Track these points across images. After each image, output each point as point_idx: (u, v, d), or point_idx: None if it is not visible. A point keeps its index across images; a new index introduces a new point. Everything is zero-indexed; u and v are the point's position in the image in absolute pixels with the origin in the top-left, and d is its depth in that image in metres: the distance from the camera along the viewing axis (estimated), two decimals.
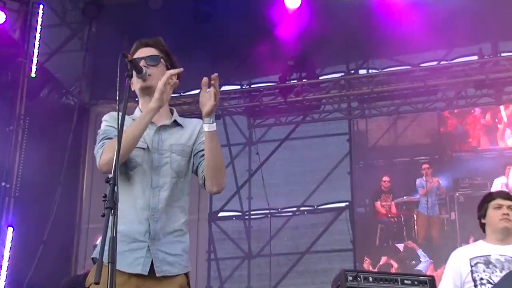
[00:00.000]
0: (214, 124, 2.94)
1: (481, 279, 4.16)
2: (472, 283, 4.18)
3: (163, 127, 3.07)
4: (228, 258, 10.72)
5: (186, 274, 2.98)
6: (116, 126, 2.78)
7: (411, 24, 8.85)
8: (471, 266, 4.21)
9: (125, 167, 2.94)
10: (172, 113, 3.15)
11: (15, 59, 8.80)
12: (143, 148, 2.99)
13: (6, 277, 7.93)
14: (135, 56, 3.05)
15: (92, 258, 3.01)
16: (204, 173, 2.99)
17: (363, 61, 10.70)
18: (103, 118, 3.12)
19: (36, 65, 9.08)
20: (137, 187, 2.95)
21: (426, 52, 10.11)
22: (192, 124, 3.14)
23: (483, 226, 4.39)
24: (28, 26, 9.15)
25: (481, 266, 4.20)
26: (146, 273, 2.85)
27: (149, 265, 2.86)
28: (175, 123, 3.10)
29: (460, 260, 4.30)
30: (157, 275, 2.86)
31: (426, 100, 10.01)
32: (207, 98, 2.91)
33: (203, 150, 3.01)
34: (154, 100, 2.92)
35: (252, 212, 10.88)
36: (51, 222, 8.79)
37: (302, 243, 10.39)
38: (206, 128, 2.94)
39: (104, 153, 2.90)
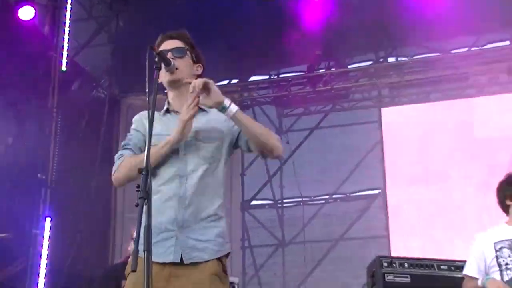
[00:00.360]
0: (230, 108, 2.94)
1: (507, 264, 4.14)
2: (497, 268, 4.16)
3: None
4: (262, 245, 10.78)
5: (221, 261, 2.97)
6: (141, 129, 3.07)
7: (440, 10, 8.75)
8: (496, 251, 4.19)
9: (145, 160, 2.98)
10: None
11: (45, 54, 8.92)
12: None
13: (46, 266, 8.10)
14: (160, 49, 3.09)
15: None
16: (253, 149, 3.05)
17: (392, 48, 10.60)
18: (133, 119, 3.21)
19: (66, 59, 9.20)
20: (165, 177, 2.98)
21: (456, 38, 9.99)
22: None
23: (506, 208, 4.35)
24: (57, 21, 9.25)
25: (506, 251, 4.17)
26: (178, 261, 2.88)
27: (180, 253, 2.90)
28: (199, 109, 3.07)
29: (483, 245, 4.28)
30: (185, 262, 2.88)
31: (457, 87, 9.90)
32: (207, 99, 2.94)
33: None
34: (176, 132, 2.95)
35: (284, 201, 10.92)
36: (87, 211, 8.93)
37: (335, 230, 10.40)
38: (227, 117, 2.98)
39: (117, 171, 3.04)
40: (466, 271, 4.37)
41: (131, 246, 4.61)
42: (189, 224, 2.94)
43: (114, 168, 3.06)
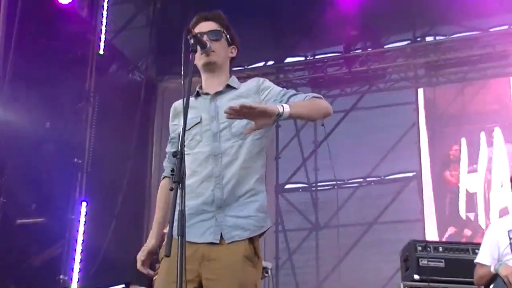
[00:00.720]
0: (284, 112, 2.77)
1: None
2: (511, 255, 4.13)
3: (217, 94, 3.08)
4: (296, 229, 10.77)
5: (253, 242, 2.93)
6: (177, 121, 3.12)
7: None
8: (510, 239, 4.18)
9: (188, 147, 2.96)
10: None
11: (84, 37, 8.98)
12: (198, 123, 3.02)
13: (82, 250, 8.20)
14: (196, 30, 3.05)
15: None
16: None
17: (430, 27, 10.43)
18: (172, 106, 3.25)
19: (104, 42, 9.25)
20: (199, 158, 2.95)
21: (495, 16, 9.79)
22: (247, 84, 3.14)
23: None
24: (96, 4, 9.31)
25: None
26: (218, 241, 2.86)
27: (219, 233, 2.87)
28: (229, 87, 3.10)
29: (497, 233, 4.29)
30: (226, 242, 2.86)
31: (496, 65, 9.71)
32: (259, 120, 2.75)
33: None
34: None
35: (318, 184, 10.88)
36: (122, 195, 9.01)
37: (369, 213, 10.33)
38: (283, 118, 2.84)
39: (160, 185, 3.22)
40: (479, 259, 4.37)
41: (166, 230, 4.60)
42: (228, 203, 2.92)
43: (163, 174, 3.23)
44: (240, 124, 2.98)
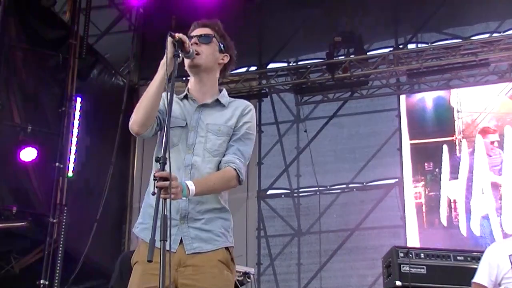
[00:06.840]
0: (191, 192, 2.83)
1: None
2: None
3: (204, 106, 3.09)
4: (278, 235, 10.77)
5: (228, 250, 2.97)
6: (161, 105, 3.00)
7: None
8: (511, 263, 4.25)
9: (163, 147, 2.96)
10: (220, 92, 3.17)
11: (65, 41, 8.94)
12: (182, 126, 3.03)
13: (61, 255, 8.12)
14: (190, 35, 3.09)
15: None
16: None
17: (412, 35, 10.50)
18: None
19: (86, 46, 9.21)
20: (172, 166, 2.88)
21: (477, 24, 9.87)
22: (235, 105, 3.14)
23: None
24: (78, 8, 9.26)
25: None
26: (175, 251, 2.85)
27: (178, 243, 2.88)
28: (217, 102, 3.11)
29: (498, 256, 4.37)
30: (186, 252, 2.88)
31: (477, 73, 9.79)
32: None
33: (233, 139, 3.04)
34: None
35: (300, 190, 10.89)
36: (103, 201, 8.96)
37: (351, 220, 10.35)
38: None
39: (133, 114, 2.97)
40: (477, 279, 4.42)
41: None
42: (192, 216, 2.93)
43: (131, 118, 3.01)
44: (216, 141, 3.02)
